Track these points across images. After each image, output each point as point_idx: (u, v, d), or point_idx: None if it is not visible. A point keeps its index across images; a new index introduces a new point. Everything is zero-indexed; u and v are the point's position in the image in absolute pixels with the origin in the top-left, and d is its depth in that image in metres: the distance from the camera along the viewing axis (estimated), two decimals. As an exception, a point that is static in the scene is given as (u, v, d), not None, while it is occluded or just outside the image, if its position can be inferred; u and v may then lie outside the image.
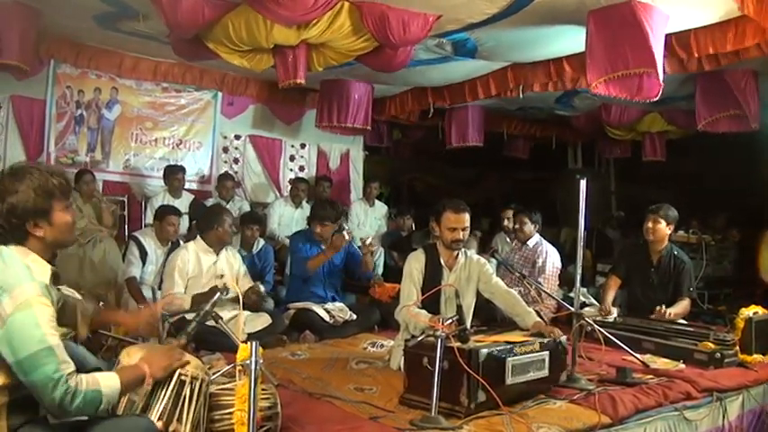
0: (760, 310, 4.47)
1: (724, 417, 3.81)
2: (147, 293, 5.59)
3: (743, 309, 4.45)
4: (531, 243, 5.98)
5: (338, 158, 9.06)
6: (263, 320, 4.89)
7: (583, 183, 3.91)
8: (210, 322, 3.74)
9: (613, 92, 4.87)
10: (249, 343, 2.45)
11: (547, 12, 4.82)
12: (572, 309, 4.05)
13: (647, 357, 4.34)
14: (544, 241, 6.00)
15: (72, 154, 6.87)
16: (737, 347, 4.31)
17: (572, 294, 4.16)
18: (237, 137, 8.16)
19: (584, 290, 6.01)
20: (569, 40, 5.43)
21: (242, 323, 4.42)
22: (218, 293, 3.73)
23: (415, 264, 4.11)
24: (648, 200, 5.57)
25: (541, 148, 10.82)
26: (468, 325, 3.78)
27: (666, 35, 4.73)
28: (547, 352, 3.54)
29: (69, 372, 2.06)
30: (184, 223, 6.44)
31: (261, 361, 2.44)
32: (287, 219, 7.64)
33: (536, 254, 5.90)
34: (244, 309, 4.47)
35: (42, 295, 2.09)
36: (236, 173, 7.99)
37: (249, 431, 2.37)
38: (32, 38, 5.48)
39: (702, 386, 3.79)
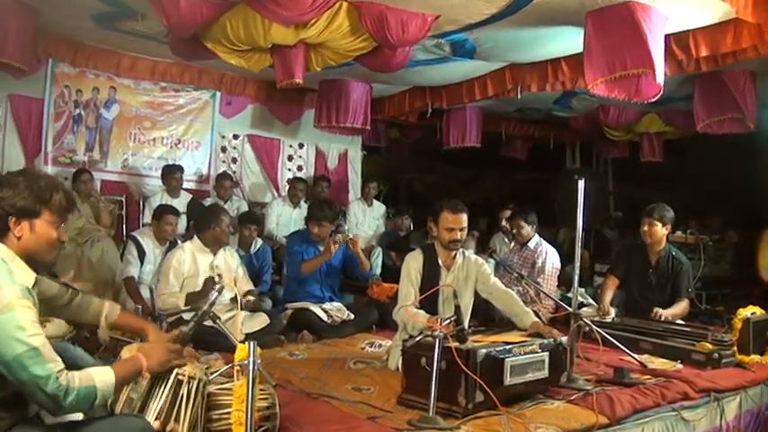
0: (758, 310, 4.48)
1: (721, 417, 3.81)
2: (145, 293, 5.58)
3: (740, 309, 4.46)
4: (531, 244, 6.00)
5: (336, 158, 9.06)
6: (260, 320, 4.89)
7: (581, 183, 3.91)
8: (208, 322, 3.73)
9: (611, 92, 4.87)
10: (247, 343, 2.45)
11: (545, 12, 4.82)
12: (570, 309, 4.05)
13: (644, 358, 4.34)
14: (544, 242, 6.01)
15: (70, 153, 6.86)
16: (735, 348, 4.31)
17: (570, 294, 4.15)
18: (236, 136, 8.16)
19: (582, 290, 6.01)
20: (567, 41, 5.44)
21: (240, 323, 4.42)
22: (214, 289, 3.71)
23: (412, 264, 4.11)
24: (646, 200, 5.57)
25: (539, 149, 10.83)
26: (466, 325, 3.77)
27: (665, 36, 4.74)
28: (547, 353, 3.53)
29: (58, 369, 2.05)
30: (182, 223, 6.44)
31: (259, 361, 2.44)
32: (285, 218, 7.64)
33: (536, 254, 5.91)
34: (241, 309, 4.47)
35: (23, 297, 2.08)
36: (234, 172, 8.00)
37: (247, 431, 2.37)
38: (30, 36, 5.48)
39: (700, 386, 3.79)
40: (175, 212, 5.85)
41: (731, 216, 9.34)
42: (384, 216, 8.64)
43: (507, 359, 3.32)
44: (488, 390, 3.15)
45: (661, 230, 5.16)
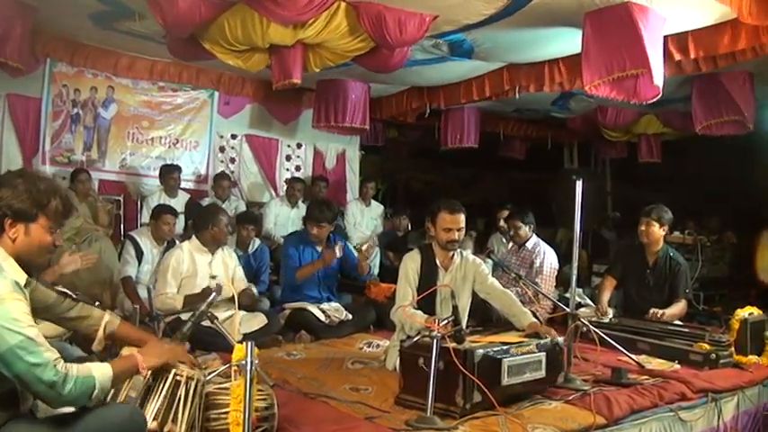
0: (755, 311, 4.49)
1: (719, 417, 3.82)
2: (143, 293, 5.57)
3: (738, 310, 4.47)
4: (529, 245, 5.99)
5: (334, 158, 9.06)
6: (258, 320, 4.89)
7: (579, 183, 3.91)
8: (206, 322, 3.73)
9: (609, 93, 4.87)
10: (245, 343, 2.45)
11: (544, 13, 4.82)
12: (568, 309, 4.05)
13: (642, 358, 4.35)
14: (541, 242, 6.01)
15: (68, 153, 6.85)
16: (733, 348, 4.32)
17: (568, 295, 4.16)
18: (234, 136, 8.16)
19: (580, 290, 6.01)
20: (566, 42, 5.44)
21: (238, 323, 4.41)
22: (212, 294, 3.71)
23: (410, 264, 4.11)
24: (644, 201, 5.58)
25: (537, 149, 10.83)
26: (464, 325, 3.78)
27: (663, 37, 4.74)
28: (544, 353, 3.54)
29: (55, 358, 2.06)
30: (180, 223, 6.43)
31: (256, 361, 2.44)
32: (283, 218, 7.63)
33: (534, 254, 5.91)
34: (239, 309, 4.47)
35: (14, 291, 2.08)
36: (232, 172, 8.00)
37: (244, 431, 2.37)
38: (28, 36, 5.47)
39: (697, 387, 3.80)
40: (173, 212, 5.84)
41: (729, 217, 9.35)
42: (382, 216, 8.64)
43: (505, 359, 3.32)
44: (486, 390, 3.15)
45: (658, 231, 5.16)
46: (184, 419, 2.46)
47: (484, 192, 12.46)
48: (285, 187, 8.04)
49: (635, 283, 5.36)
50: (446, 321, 3.39)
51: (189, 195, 7.23)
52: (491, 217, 8.51)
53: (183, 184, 7.22)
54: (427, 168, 12.45)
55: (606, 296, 5.34)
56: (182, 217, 6.51)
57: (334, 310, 5.35)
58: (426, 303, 3.92)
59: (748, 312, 4.42)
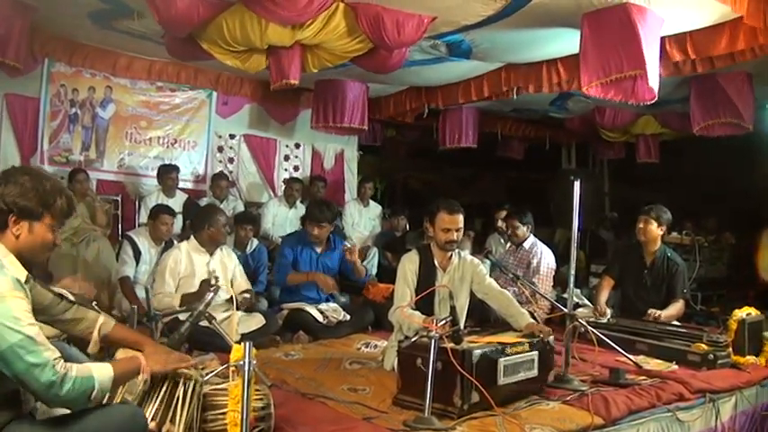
0: (753, 311, 4.49)
1: (717, 418, 3.82)
2: (141, 293, 5.57)
3: (736, 310, 4.47)
4: (526, 245, 5.98)
5: (333, 158, 9.07)
6: (256, 321, 4.88)
7: (577, 184, 3.91)
8: (204, 322, 3.73)
9: (607, 94, 4.87)
10: (243, 343, 2.45)
11: (542, 14, 4.83)
12: (565, 310, 4.06)
13: (640, 358, 4.35)
14: (539, 242, 6.01)
15: (66, 153, 6.85)
16: (730, 349, 4.32)
17: (566, 295, 4.16)
18: (232, 136, 8.16)
19: (578, 291, 6.00)
20: (564, 43, 5.44)
21: (235, 323, 4.41)
22: (210, 290, 3.70)
23: (408, 265, 4.10)
24: (642, 201, 5.59)
25: (535, 149, 10.84)
26: (462, 326, 3.78)
27: (661, 38, 4.75)
28: (536, 352, 3.55)
29: (55, 357, 2.06)
30: (178, 223, 6.43)
31: (254, 361, 2.44)
32: (281, 219, 7.63)
33: (531, 255, 5.91)
34: (237, 309, 4.47)
35: (15, 289, 2.08)
36: (230, 172, 8.00)
37: (242, 432, 2.37)
38: (26, 35, 5.47)
39: (695, 387, 3.80)
40: (171, 212, 5.84)
41: (727, 217, 9.36)
42: (380, 216, 8.64)
43: (500, 359, 3.33)
44: (484, 390, 3.15)
45: (656, 230, 5.17)
46: (182, 420, 2.46)
47: (482, 192, 12.46)
48: (283, 187, 8.02)
49: (633, 283, 5.36)
50: (444, 322, 3.39)
51: (187, 195, 7.22)
52: (489, 217, 8.50)
53: (181, 184, 7.23)
54: (425, 168, 12.45)
55: (604, 296, 5.34)
56: (180, 217, 6.51)
57: (332, 311, 5.35)
58: (424, 304, 3.92)
59: (746, 313, 4.43)
